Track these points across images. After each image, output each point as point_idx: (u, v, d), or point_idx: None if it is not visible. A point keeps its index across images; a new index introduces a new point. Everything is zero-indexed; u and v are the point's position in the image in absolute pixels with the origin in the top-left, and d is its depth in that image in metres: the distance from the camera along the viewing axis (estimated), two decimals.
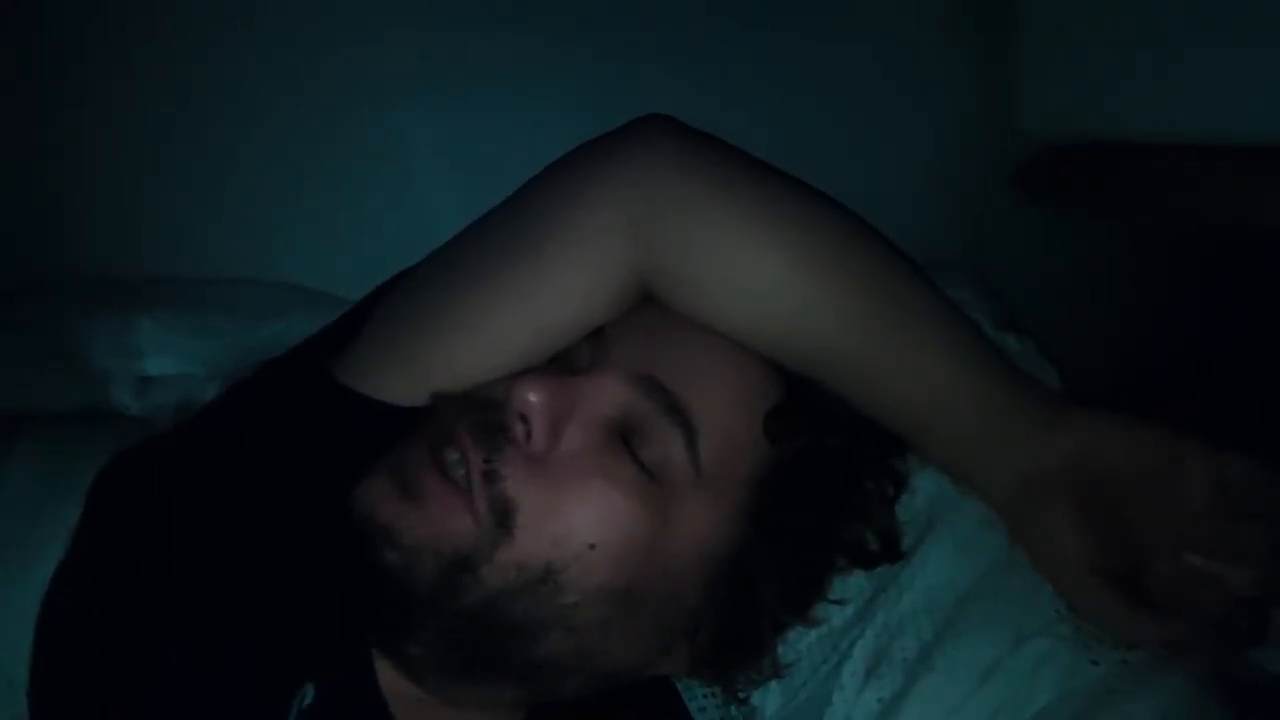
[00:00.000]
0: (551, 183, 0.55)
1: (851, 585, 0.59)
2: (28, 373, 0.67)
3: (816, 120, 0.79)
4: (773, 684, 0.59)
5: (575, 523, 0.48)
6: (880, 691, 0.56)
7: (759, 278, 0.52)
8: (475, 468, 0.48)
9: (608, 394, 0.51)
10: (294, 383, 0.56)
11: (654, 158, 0.53)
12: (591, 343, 0.53)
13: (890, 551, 0.57)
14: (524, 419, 0.50)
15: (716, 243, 0.52)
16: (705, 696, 0.59)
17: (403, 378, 0.54)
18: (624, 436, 0.50)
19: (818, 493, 0.54)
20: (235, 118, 0.77)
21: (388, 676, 0.51)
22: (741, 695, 0.58)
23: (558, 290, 0.53)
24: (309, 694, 0.48)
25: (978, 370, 0.54)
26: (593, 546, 0.48)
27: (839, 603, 0.58)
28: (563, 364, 0.53)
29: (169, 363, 0.70)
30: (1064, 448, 0.52)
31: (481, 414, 0.50)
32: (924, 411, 0.54)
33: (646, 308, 0.54)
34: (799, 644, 0.60)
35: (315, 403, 0.54)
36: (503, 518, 0.48)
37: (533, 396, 0.49)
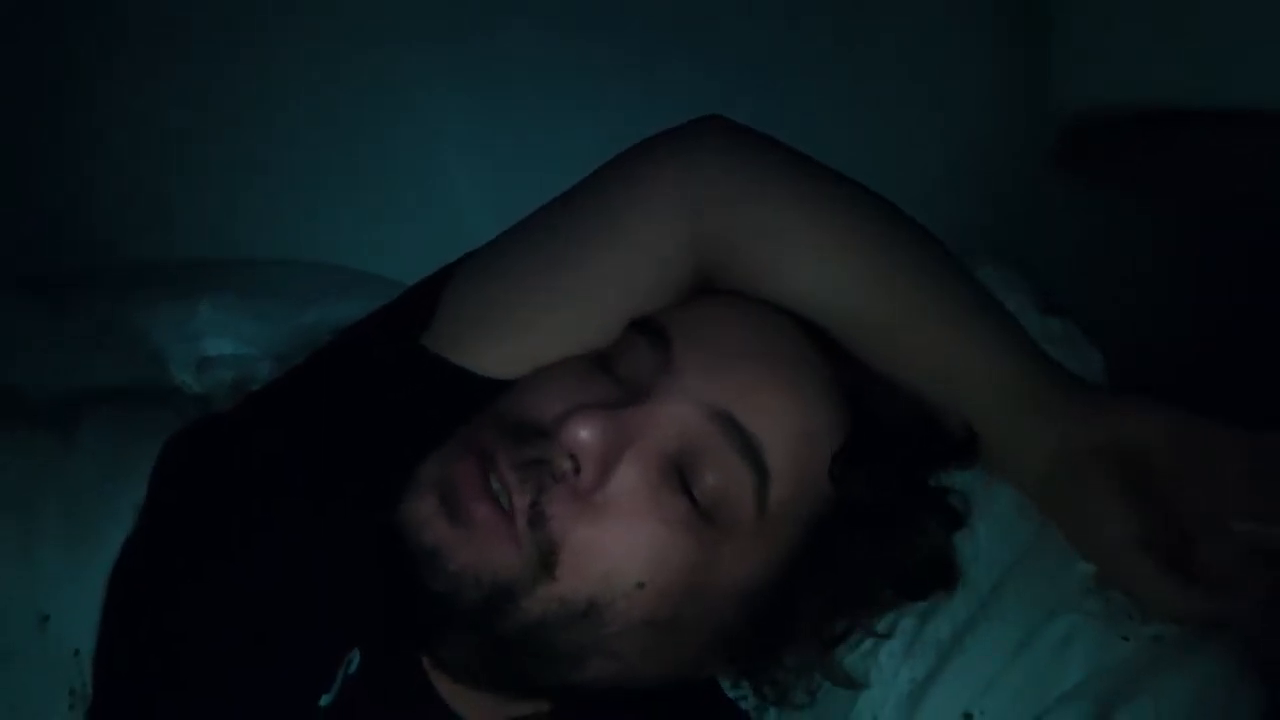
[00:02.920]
0: (620, 171, 0.57)
1: None
2: (91, 353, 0.69)
3: (852, 101, 0.79)
4: None
5: (623, 562, 0.47)
6: (914, 672, 0.56)
7: (809, 259, 0.54)
8: (520, 511, 0.47)
9: (674, 425, 0.49)
10: (384, 356, 0.56)
11: (714, 149, 0.56)
12: (656, 357, 0.51)
13: (945, 585, 0.56)
14: (573, 457, 0.47)
15: (770, 227, 0.55)
16: None
17: (500, 351, 0.54)
18: (680, 467, 0.48)
19: (875, 539, 0.53)
20: (277, 116, 0.79)
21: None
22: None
23: (631, 265, 0.55)
24: (355, 660, 0.49)
25: (1015, 348, 0.55)
26: (641, 585, 0.47)
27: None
28: (623, 378, 0.51)
29: (227, 344, 0.72)
30: (1103, 428, 0.53)
31: (528, 445, 0.48)
32: (960, 385, 0.55)
33: (711, 318, 0.53)
34: None
35: (411, 375, 0.54)
36: (546, 559, 0.47)
37: (584, 433, 0.47)
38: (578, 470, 0.47)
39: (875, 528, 0.53)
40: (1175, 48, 0.65)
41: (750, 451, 0.48)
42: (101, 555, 0.51)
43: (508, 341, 0.55)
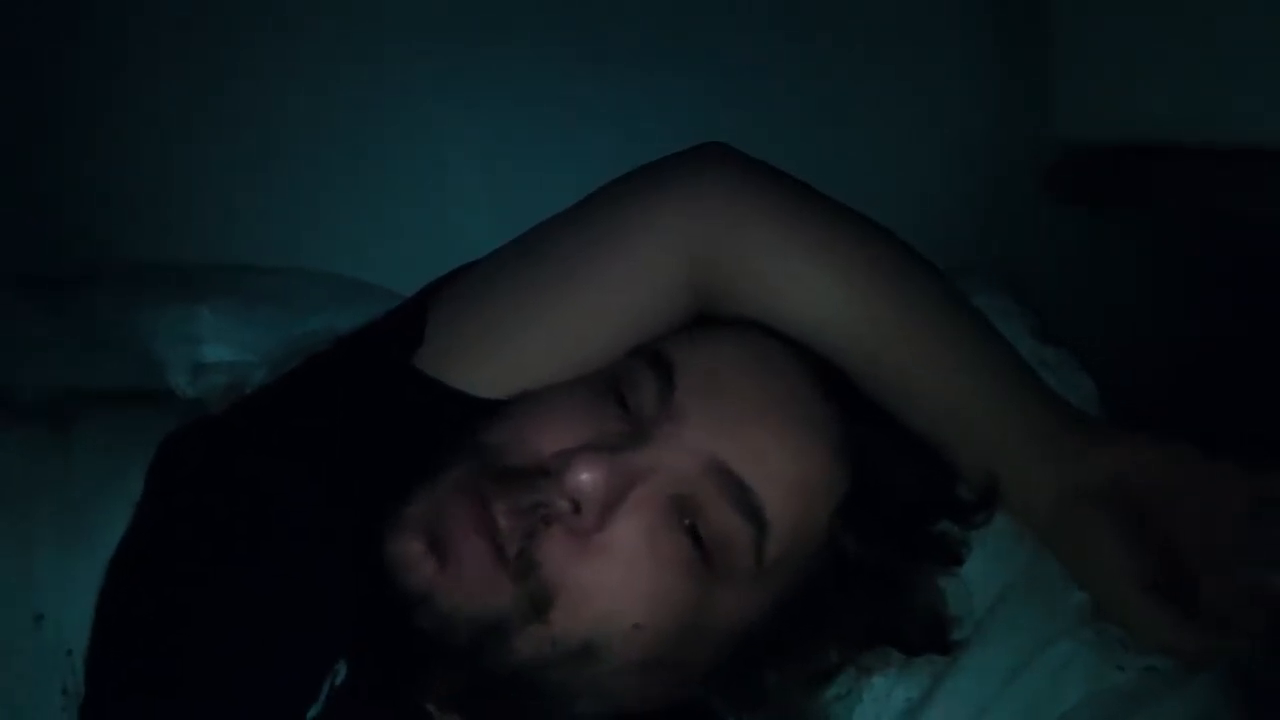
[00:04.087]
0: (621, 194, 0.57)
1: None
2: (88, 354, 0.69)
3: (850, 124, 0.80)
4: None
5: (621, 604, 0.47)
6: (909, 692, 0.57)
7: (810, 287, 0.54)
8: (513, 556, 0.47)
9: (676, 473, 0.49)
10: (372, 373, 0.56)
11: (716, 176, 0.55)
12: (660, 395, 0.51)
13: (939, 650, 0.55)
14: (574, 501, 0.47)
15: (772, 255, 0.54)
16: None
17: (493, 370, 0.54)
18: (680, 511, 0.48)
19: (870, 595, 0.54)
20: (278, 120, 0.80)
21: None
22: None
23: (630, 288, 0.55)
24: (341, 671, 0.49)
25: (1020, 382, 0.55)
26: (638, 626, 0.47)
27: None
28: (630, 408, 0.51)
29: (225, 350, 0.72)
30: (1106, 465, 0.53)
31: (527, 489, 0.48)
32: (964, 417, 0.55)
33: (718, 358, 0.53)
34: None
35: (403, 396, 0.54)
36: (540, 602, 0.47)
37: (586, 476, 0.46)
38: (577, 510, 0.47)
39: (870, 584, 0.53)
40: (1169, 79, 0.66)
41: (748, 506, 0.48)
42: (96, 555, 0.51)
43: (500, 359, 0.55)
